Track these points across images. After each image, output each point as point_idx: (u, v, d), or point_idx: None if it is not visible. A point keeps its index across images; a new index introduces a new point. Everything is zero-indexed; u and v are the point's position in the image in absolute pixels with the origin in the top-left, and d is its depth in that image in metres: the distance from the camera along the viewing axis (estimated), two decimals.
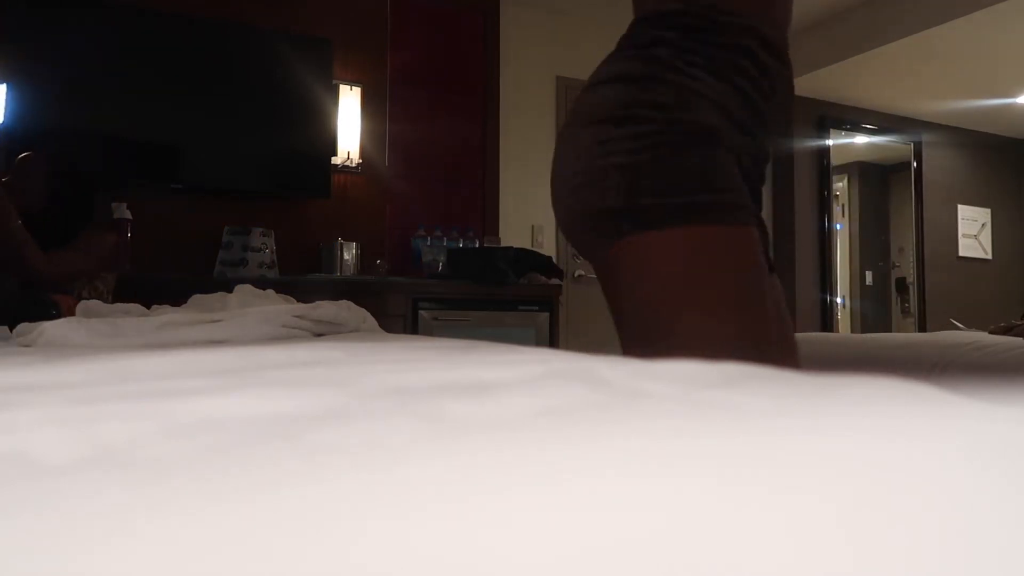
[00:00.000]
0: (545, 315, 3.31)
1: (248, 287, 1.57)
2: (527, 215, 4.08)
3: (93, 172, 2.26)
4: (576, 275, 4.15)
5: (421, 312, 3.07)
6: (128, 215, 2.91)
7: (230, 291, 1.50)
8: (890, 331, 5.41)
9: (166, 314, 1.20)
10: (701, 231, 0.80)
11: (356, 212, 3.51)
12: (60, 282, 1.99)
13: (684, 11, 0.87)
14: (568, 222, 0.90)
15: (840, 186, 5.75)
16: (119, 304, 1.44)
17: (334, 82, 3.39)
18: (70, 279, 2.04)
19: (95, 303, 1.40)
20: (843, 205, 5.82)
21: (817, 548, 0.15)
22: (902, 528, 0.16)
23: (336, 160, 3.42)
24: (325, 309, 1.22)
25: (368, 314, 1.35)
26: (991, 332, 2.51)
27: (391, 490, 0.18)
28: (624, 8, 0.98)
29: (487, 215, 3.90)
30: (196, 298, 1.49)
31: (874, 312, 5.79)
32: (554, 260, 3.69)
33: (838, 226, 5.58)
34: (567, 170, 0.88)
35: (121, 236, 2.84)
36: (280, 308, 1.20)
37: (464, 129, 3.87)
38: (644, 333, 0.82)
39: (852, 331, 5.55)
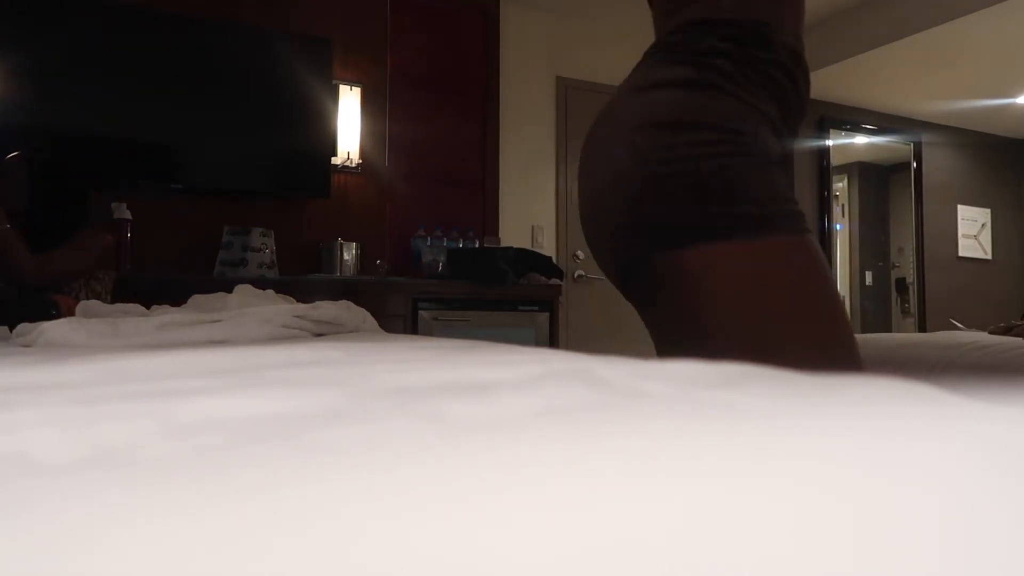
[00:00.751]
0: (545, 315, 3.31)
1: (248, 287, 1.57)
2: (527, 215, 4.08)
3: (87, 172, 2.24)
4: (576, 275, 4.15)
5: (421, 312, 3.07)
6: (128, 215, 2.91)
7: (230, 291, 1.50)
8: (890, 331, 5.42)
9: (166, 314, 1.20)
10: (773, 242, 0.79)
11: (356, 212, 3.51)
12: (51, 283, 1.98)
13: (734, 22, 0.85)
14: (610, 227, 0.86)
15: (840, 186, 5.76)
16: (119, 304, 1.44)
17: (334, 82, 3.39)
18: (62, 280, 2.03)
19: (95, 303, 1.40)
20: (843, 205, 5.82)
21: (818, 545, 0.15)
22: (902, 525, 0.16)
23: (336, 160, 3.42)
24: (325, 309, 1.22)
25: (368, 314, 1.35)
26: (991, 332, 2.51)
27: (391, 490, 0.18)
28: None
29: (487, 215, 3.90)
30: (196, 298, 1.49)
31: (874, 312, 5.79)
32: (554, 260, 3.69)
33: (838, 226, 5.58)
34: (611, 173, 0.85)
35: (121, 236, 2.84)
36: (280, 308, 1.20)
37: (464, 129, 3.87)
38: (722, 343, 0.79)
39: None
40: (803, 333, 0.79)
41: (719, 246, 0.78)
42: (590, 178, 0.89)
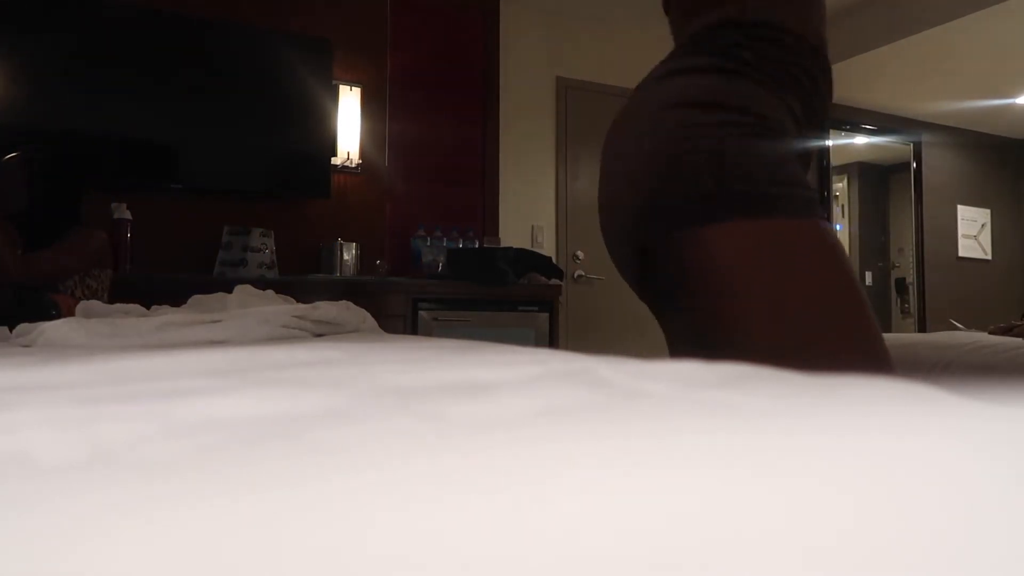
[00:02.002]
0: (545, 315, 3.31)
1: (248, 287, 1.57)
2: (527, 215, 4.08)
3: (81, 171, 2.24)
4: (576, 275, 4.15)
5: (421, 312, 3.07)
6: (128, 215, 2.91)
7: (230, 291, 1.50)
8: (890, 331, 5.41)
9: (166, 314, 1.20)
10: (792, 224, 0.78)
11: (356, 212, 3.50)
12: (36, 282, 1.98)
13: (757, 23, 0.87)
14: (633, 208, 0.85)
15: (840, 186, 5.76)
16: (119, 304, 1.44)
17: (334, 82, 3.39)
18: (51, 279, 2.03)
19: (95, 303, 1.40)
20: (843, 205, 5.83)
21: (816, 539, 0.15)
22: (902, 521, 0.16)
23: (336, 160, 3.42)
24: (325, 309, 1.22)
25: (368, 314, 1.35)
26: (991, 332, 2.51)
27: (390, 490, 0.18)
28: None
29: (487, 215, 3.90)
30: (196, 298, 1.49)
31: (874, 312, 5.78)
32: (554, 260, 3.69)
33: (838, 227, 5.58)
34: (637, 152, 0.85)
35: (121, 236, 2.84)
36: (280, 308, 1.20)
37: (464, 129, 3.87)
38: (737, 323, 0.78)
39: None
40: (830, 313, 0.79)
41: (740, 224, 0.77)
42: (614, 161, 0.89)
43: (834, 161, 5.37)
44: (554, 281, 3.40)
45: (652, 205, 0.82)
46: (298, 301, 1.44)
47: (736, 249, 0.78)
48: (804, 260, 0.79)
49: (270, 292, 1.59)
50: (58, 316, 1.59)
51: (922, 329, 5.39)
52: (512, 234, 3.96)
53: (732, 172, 0.78)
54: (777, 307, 0.77)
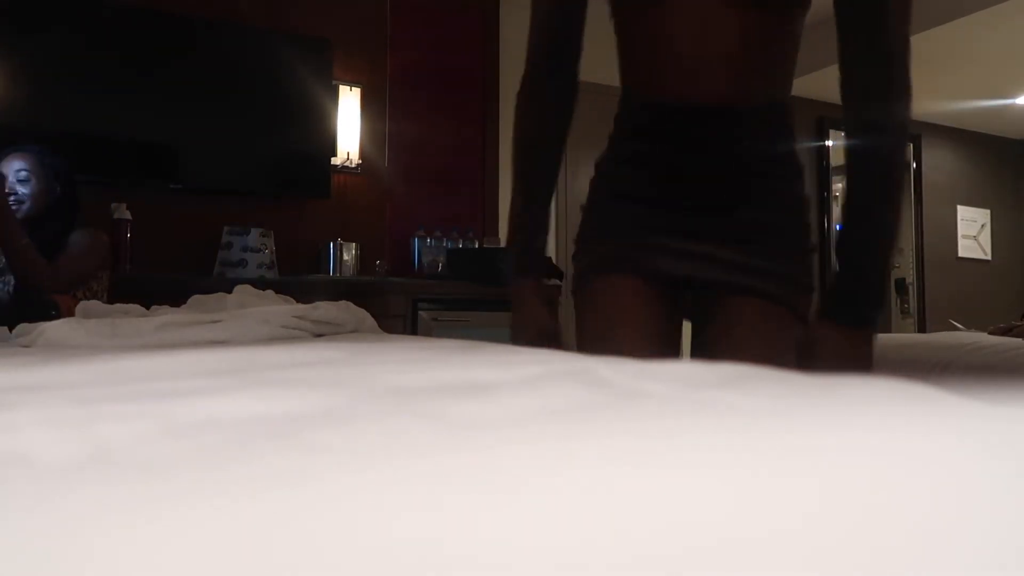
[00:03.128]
0: None
1: (247, 287, 1.57)
2: None
3: (82, 172, 2.22)
4: None
5: (420, 313, 3.07)
6: (128, 215, 2.90)
7: (230, 291, 1.50)
8: (890, 331, 5.41)
9: (165, 315, 1.20)
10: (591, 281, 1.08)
11: (356, 212, 3.50)
12: (64, 290, 1.98)
13: (622, 99, 1.17)
14: None
15: (840, 187, 5.75)
16: (119, 304, 1.44)
17: (334, 82, 3.39)
18: (72, 286, 2.03)
19: (95, 304, 1.40)
20: (843, 205, 5.81)
21: (817, 539, 0.15)
22: (903, 518, 0.16)
23: (336, 160, 3.42)
24: (324, 310, 1.22)
25: (367, 315, 1.35)
26: (990, 333, 2.51)
27: (390, 489, 0.18)
28: None
29: (487, 215, 3.90)
30: (195, 298, 1.49)
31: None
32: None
33: (838, 226, 5.57)
34: None
35: (121, 236, 2.83)
36: (279, 309, 1.20)
37: (464, 130, 3.87)
38: None
39: None
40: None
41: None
42: None
43: (834, 161, 5.36)
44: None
45: None
46: (298, 301, 1.44)
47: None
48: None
49: (270, 292, 1.59)
50: (58, 316, 1.58)
51: (922, 329, 5.39)
52: None
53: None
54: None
